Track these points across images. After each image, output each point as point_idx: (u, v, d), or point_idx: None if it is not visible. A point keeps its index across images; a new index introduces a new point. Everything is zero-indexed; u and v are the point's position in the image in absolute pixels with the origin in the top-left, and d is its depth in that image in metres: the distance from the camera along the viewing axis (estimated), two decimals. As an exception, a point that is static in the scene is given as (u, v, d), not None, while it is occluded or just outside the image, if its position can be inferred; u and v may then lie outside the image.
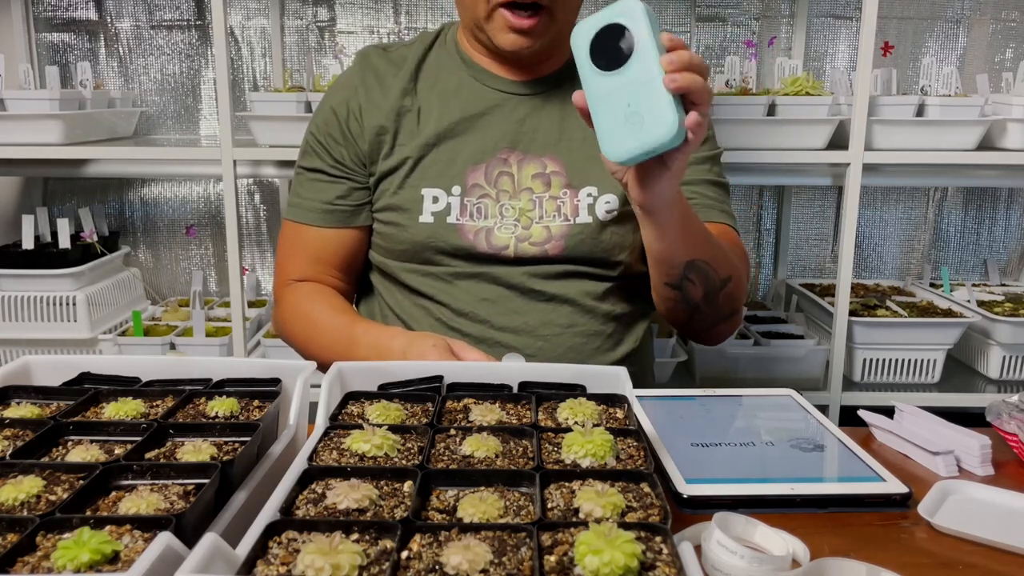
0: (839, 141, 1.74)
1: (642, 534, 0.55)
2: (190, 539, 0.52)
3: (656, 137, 0.82)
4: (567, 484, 0.64)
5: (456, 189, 1.12)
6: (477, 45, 1.16)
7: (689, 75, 0.80)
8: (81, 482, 0.63)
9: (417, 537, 0.56)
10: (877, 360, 1.84)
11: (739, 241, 1.19)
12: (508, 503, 0.61)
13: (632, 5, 0.82)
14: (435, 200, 1.12)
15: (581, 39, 0.85)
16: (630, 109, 0.82)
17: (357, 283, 1.25)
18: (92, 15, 2.12)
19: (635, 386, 0.83)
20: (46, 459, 0.69)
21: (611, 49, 0.83)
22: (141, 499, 0.61)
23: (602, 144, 0.85)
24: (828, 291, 1.97)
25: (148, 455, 0.69)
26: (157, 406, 0.79)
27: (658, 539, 0.55)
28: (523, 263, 1.12)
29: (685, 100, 0.83)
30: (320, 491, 0.62)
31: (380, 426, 0.71)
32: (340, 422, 0.75)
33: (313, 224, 1.18)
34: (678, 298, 1.08)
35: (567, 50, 1.18)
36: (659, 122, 0.81)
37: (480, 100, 1.15)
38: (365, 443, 0.69)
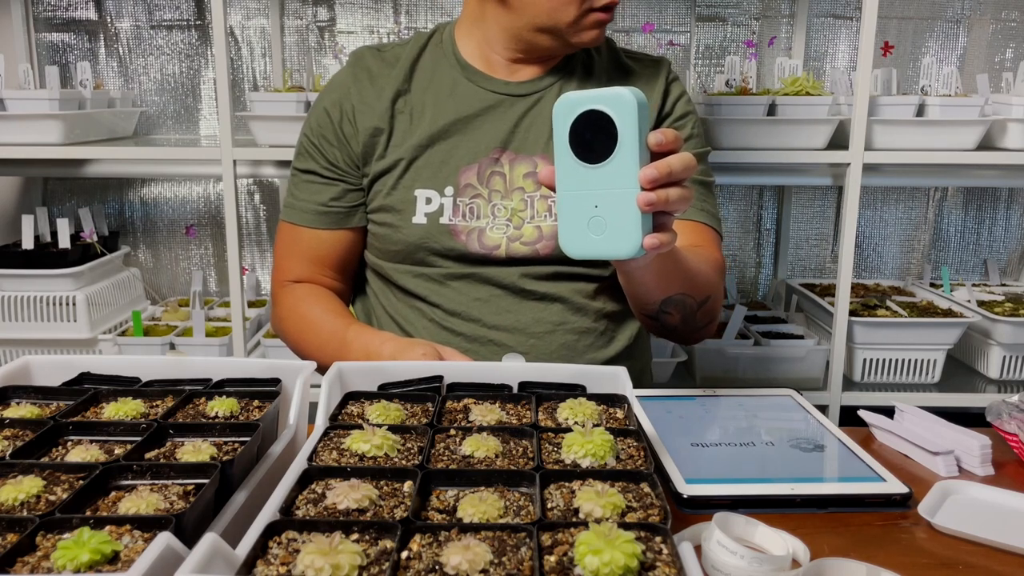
0: (839, 141, 1.74)
1: (642, 534, 0.55)
2: (190, 539, 0.53)
3: (614, 251, 0.79)
4: (567, 484, 0.64)
5: (449, 190, 1.12)
6: (500, 47, 1.14)
7: (665, 193, 0.76)
8: (81, 482, 0.63)
9: (417, 537, 0.56)
10: (877, 360, 1.84)
11: (716, 243, 1.18)
12: (508, 503, 0.61)
13: (624, 98, 0.75)
14: (428, 201, 1.12)
15: (564, 114, 0.78)
16: (596, 211, 0.78)
17: (353, 283, 1.26)
18: (92, 15, 2.12)
19: (633, 383, 0.83)
20: (46, 459, 0.69)
21: (593, 137, 0.77)
22: (141, 499, 0.61)
23: (559, 232, 0.81)
24: (828, 291, 1.97)
25: (148, 455, 0.69)
26: (157, 406, 0.79)
27: (658, 539, 0.55)
28: (515, 263, 1.12)
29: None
30: (320, 491, 0.62)
31: (380, 426, 0.71)
32: (340, 422, 0.75)
33: (308, 226, 1.18)
34: (655, 325, 1.11)
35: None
36: (622, 238, 0.78)
37: (474, 101, 1.15)
38: (365, 443, 0.69)
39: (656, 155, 0.78)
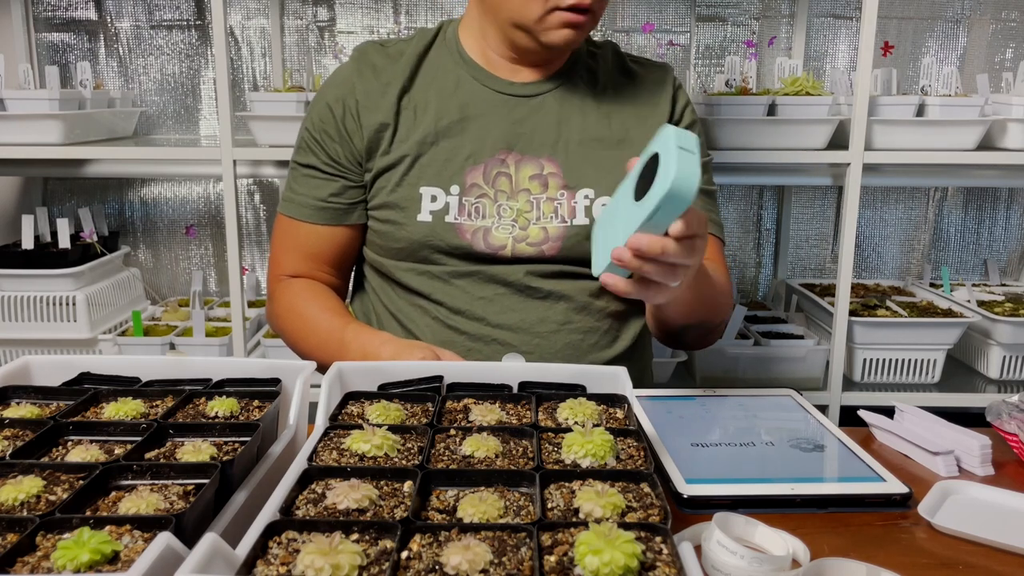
0: (839, 141, 1.74)
1: (642, 534, 0.55)
2: (190, 539, 0.53)
3: (592, 261, 0.95)
4: (567, 484, 0.64)
5: (455, 188, 1.12)
6: (497, 46, 1.15)
7: (639, 264, 0.84)
8: (81, 482, 0.63)
9: (417, 537, 0.56)
10: (877, 360, 1.84)
11: (721, 252, 1.23)
12: (508, 503, 0.61)
13: (673, 182, 0.77)
14: (433, 199, 1.12)
15: (655, 142, 0.83)
16: (609, 227, 0.91)
17: (348, 277, 1.27)
18: (92, 15, 2.12)
19: (633, 383, 0.83)
20: (46, 459, 0.69)
21: (644, 176, 0.83)
22: (141, 499, 0.61)
23: (602, 209, 0.92)
24: (828, 291, 1.97)
25: (148, 455, 0.69)
26: (157, 406, 0.79)
27: (658, 539, 0.55)
28: (520, 262, 1.12)
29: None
30: (320, 491, 0.62)
31: (380, 426, 0.71)
32: (340, 422, 0.75)
33: (306, 220, 1.18)
34: (670, 340, 1.21)
35: (572, 52, 1.19)
36: (596, 259, 0.95)
37: (479, 100, 1.15)
38: (365, 443, 0.69)
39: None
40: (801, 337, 1.85)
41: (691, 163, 0.77)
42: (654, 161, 0.81)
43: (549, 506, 0.61)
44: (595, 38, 1.26)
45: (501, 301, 1.13)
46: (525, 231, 1.12)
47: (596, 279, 1.15)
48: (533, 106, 1.15)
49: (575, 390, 0.83)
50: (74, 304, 1.84)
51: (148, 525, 0.57)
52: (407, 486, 0.64)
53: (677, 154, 0.78)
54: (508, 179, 1.13)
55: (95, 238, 1.95)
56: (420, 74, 1.17)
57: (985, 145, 1.78)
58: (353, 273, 1.28)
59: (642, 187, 0.82)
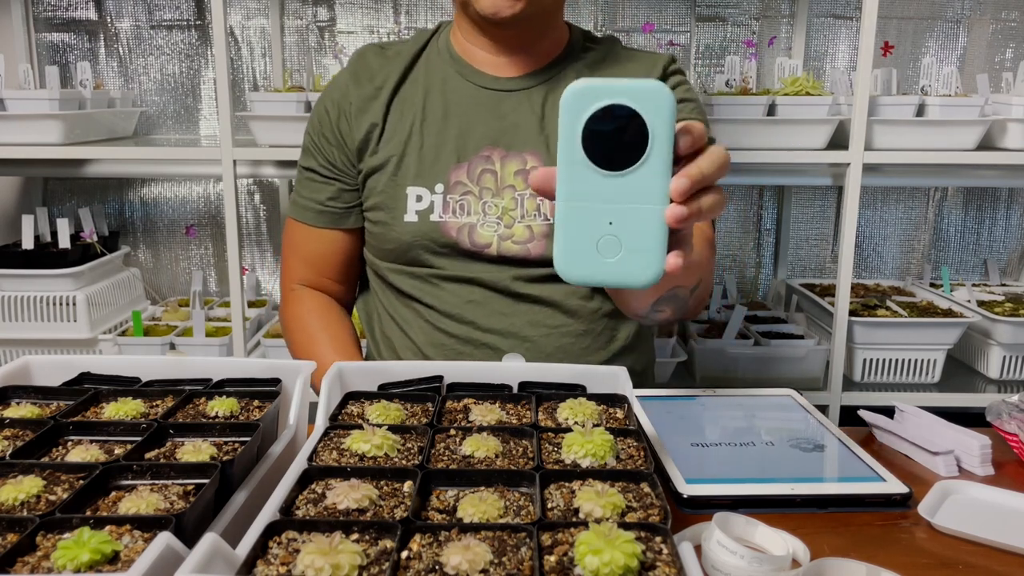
0: (839, 141, 1.74)
1: (642, 534, 0.55)
2: (190, 539, 0.53)
3: (630, 278, 0.62)
4: (567, 484, 0.64)
5: (439, 187, 1.12)
6: (469, 34, 1.16)
7: (697, 204, 0.61)
8: (81, 482, 0.63)
9: (417, 537, 0.56)
10: (877, 360, 1.84)
11: (709, 232, 1.09)
12: (508, 503, 0.61)
13: (660, 93, 0.59)
14: (419, 199, 1.13)
15: (576, 106, 0.60)
16: (611, 230, 0.61)
17: (354, 284, 1.28)
18: (92, 15, 2.12)
19: (634, 382, 0.83)
20: (46, 459, 0.69)
21: (612, 137, 0.59)
22: (141, 499, 0.61)
23: (556, 252, 0.62)
24: (828, 291, 1.97)
25: (148, 455, 0.69)
26: (157, 406, 0.79)
27: (658, 539, 0.55)
28: (506, 263, 1.12)
29: None
30: (320, 491, 0.62)
31: (380, 426, 0.71)
32: (340, 422, 0.75)
33: (308, 223, 1.21)
34: (646, 322, 1.14)
35: (553, 42, 1.17)
36: (641, 263, 0.61)
37: (464, 96, 1.15)
38: (365, 443, 0.69)
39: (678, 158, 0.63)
40: (801, 337, 1.85)
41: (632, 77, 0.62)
42: (600, 125, 0.60)
43: (549, 506, 0.61)
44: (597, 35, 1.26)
45: (490, 304, 1.13)
46: (510, 229, 1.12)
47: None
48: (519, 100, 1.15)
49: (575, 390, 0.83)
50: (74, 304, 1.84)
51: (148, 525, 0.57)
52: (407, 486, 0.64)
53: (624, 80, 0.59)
54: (493, 176, 1.12)
55: (95, 238, 1.95)
56: (412, 74, 1.18)
57: (985, 145, 1.78)
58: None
59: (612, 154, 0.60)
